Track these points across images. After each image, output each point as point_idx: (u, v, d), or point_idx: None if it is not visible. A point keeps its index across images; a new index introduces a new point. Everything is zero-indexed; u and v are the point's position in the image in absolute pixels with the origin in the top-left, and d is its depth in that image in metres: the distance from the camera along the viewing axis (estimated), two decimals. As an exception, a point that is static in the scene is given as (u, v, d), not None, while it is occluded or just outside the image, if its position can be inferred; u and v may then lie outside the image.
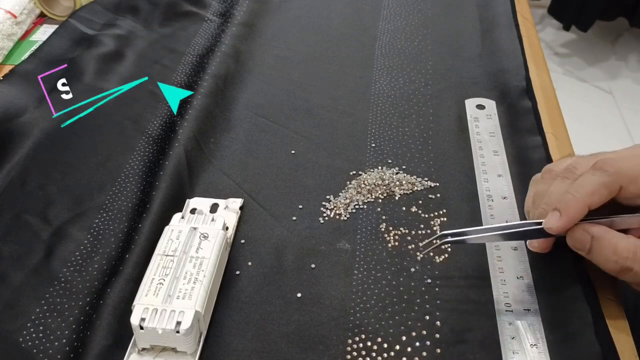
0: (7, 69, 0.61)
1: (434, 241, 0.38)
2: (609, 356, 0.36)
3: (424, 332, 0.38)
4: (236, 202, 0.47)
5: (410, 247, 0.44)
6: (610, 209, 0.37)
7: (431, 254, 0.43)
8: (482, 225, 0.45)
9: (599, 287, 0.40)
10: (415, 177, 0.50)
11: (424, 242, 0.38)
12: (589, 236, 0.36)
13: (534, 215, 0.39)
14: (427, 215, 0.46)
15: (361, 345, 0.38)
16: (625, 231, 0.37)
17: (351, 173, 0.50)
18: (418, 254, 0.38)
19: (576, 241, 0.37)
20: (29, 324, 0.39)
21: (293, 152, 0.53)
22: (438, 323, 0.39)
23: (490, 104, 0.57)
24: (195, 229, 0.41)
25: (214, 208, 0.47)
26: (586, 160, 0.39)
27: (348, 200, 0.48)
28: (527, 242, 0.42)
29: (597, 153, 0.40)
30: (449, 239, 0.38)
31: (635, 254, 0.35)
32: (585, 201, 0.36)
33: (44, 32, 0.68)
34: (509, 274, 0.41)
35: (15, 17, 0.66)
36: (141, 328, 0.35)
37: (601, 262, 0.36)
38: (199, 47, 0.65)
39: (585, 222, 0.36)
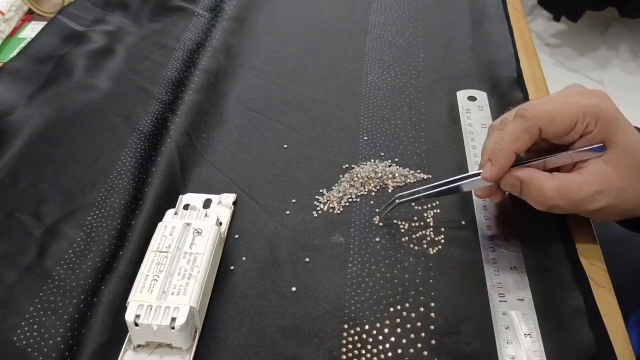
0: (-5, 66, 0.61)
1: (391, 206, 0.43)
2: (601, 343, 0.36)
3: (419, 324, 0.39)
4: (229, 197, 0.47)
5: (404, 239, 0.44)
6: (548, 150, 0.41)
7: (425, 245, 0.43)
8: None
9: (591, 275, 0.41)
10: (407, 169, 0.50)
11: (382, 209, 0.43)
12: (518, 180, 0.39)
13: (479, 166, 0.42)
14: (420, 208, 0.46)
15: (356, 337, 0.38)
16: (558, 169, 0.41)
17: (344, 166, 0.50)
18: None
19: (507, 185, 0.40)
20: (23, 323, 0.39)
21: (285, 146, 0.53)
22: (432, 314, 0.39)
23: (482, 96, 0.57)
24: (188, 224, 0.41)
25: (207, 204, 0.47)
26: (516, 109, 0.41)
27: (341, 194, 0.48)
28: (473, 192, 0.44)
29: (528, 102, 0.43)
30: (403, 199, 0.42)
31: (559, 192, 0.38)
32: (510, 148, 0.39)
33: (32, 29, 0.68)
34: (502, 265, 0.42)
35: (3, 14, 0.65)
36: (136, 325, 0.35)
37: (531, 202, 0.40)
38: (190, 42, 0.65)
39: (518, 167, 0.40)
